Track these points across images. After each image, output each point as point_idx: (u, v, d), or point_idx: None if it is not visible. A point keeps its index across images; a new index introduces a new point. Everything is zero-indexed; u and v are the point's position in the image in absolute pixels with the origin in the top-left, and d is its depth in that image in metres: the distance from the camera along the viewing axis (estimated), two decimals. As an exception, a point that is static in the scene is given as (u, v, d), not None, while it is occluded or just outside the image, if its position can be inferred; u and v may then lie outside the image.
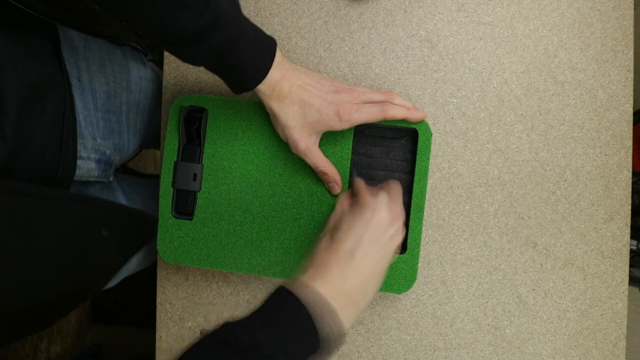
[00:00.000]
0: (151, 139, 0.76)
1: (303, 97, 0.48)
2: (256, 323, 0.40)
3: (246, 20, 0.46)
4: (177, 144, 0.57)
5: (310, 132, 0.50)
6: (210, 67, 0.47)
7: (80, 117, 0.57)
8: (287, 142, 0.51)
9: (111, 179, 0.66)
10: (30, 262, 0.40)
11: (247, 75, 0.46)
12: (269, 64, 0.46)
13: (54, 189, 0.49)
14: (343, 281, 0.44)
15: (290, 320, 0.40)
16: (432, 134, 0.55)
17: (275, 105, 0.49)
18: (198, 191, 0.56)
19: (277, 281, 0.62)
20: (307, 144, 0.50)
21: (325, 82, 0.50)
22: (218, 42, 0.43)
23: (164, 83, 0.63)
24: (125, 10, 0.41)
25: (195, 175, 0.56)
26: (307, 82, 0.49)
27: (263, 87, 0.48)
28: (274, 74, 0.47)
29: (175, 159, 0.57)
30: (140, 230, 0.59)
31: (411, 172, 0.55)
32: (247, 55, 0.45)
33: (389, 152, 0.56)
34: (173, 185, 0.56)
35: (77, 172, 0.56)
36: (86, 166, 0.58)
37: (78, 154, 0.55)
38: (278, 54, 0.47)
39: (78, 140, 0.55)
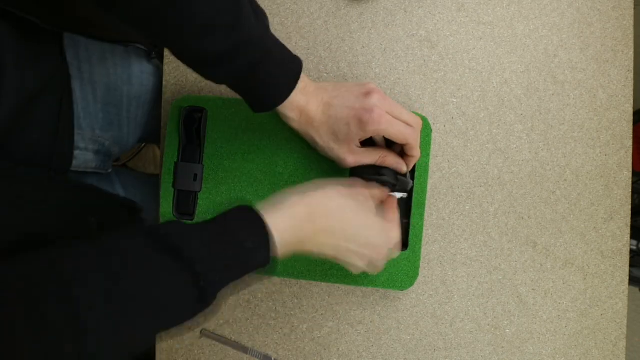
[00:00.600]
0: (152, 133, 0.76)
1: (330, 114, 0.47)
2: (203, 233, 0.38)
3: (273, 40, 0.45)
4: (178, 145, 0.57)
5: (349, 144, 0.48)
6: (232, 87, 0.46)
7: (79, 107, 0.57)
8: (336, 162, 0.50)
9: (110, 170, 0.66)
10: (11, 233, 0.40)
11: (269, 96, 0.45)
12: (292, 86, 0.45)
13: (51, 176, 0.49)
14: (307, 242, 0.42)
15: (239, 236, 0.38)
16: (432, 130, 0.55)
17: (309, 131, 0.48)
18: (199, 191, 0.57)
19: (275, 280, 0.62)
20: (354, 158, 0.49)
21: (354, 87, 0.48)
22: (242, 64, 0.43)
23: (164, 83, 0.63)
24: (150, 33, 0.41)
25: (195, 175, 0.56)
26: (332, 95, 0.47)
27: (292, 114, 0.47)
28: (300, 99, 0.46)
29: (175, 159, 0.57)
30: (130, 219, 0.59)
31: (412, 169, 0.55)
32: (270, 77, 0.44)
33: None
34: (174, 186, 0.56)
35: (75, 162, 0.56)
36: (84, 157, 0.59)
37: (75, 144, 0.56)
38: (303, 78, 0.46)
39: (76, 131, 0.56)
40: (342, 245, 0.44)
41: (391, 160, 0.50)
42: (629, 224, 0.61)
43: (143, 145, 1.35)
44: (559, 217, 0.61)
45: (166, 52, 0.63)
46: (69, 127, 0.53)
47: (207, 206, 0.56)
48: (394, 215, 0.50)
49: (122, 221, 0.58)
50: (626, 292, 0.61)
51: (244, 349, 0.61)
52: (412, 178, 0.55)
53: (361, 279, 0.56)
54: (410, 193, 0.55)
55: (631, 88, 0.61)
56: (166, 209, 0.57)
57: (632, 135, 0.61)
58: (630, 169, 0.61)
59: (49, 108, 0.49)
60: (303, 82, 0.46)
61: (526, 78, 0.61)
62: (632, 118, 0.61)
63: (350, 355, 0.61)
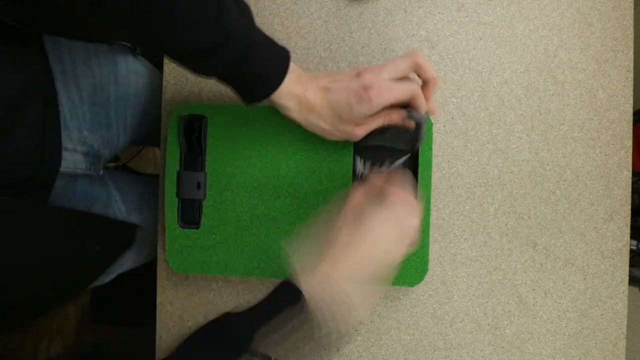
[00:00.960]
0: (148, 135, 0.76)
1: (329, 98, 0.47)
2: (255, 319, 0.41)
3: (259, 34, 0.45)
4: (179, 154, 0.57)
5: (354, 120, 0.48)
6: (223, 78, 0.46)
7: (65, 109, 0.57)
8: (345, 139, 0.51)
9: (101, 172, 0.66)
10: (17, 269, 0.42)
11: (261, 84, 0.45)
12: (283, 71, 0.45)
13: (50, 206, 0.50)
14: (360, 278, 0.44)
15: (289, 318, 0.40)
16: (432, 125, 0.55)
17: (311, 118, 0.48)
18: (203, 199, 0.56)
19: (276, 280, 0.62)
20: (362, 129, 0.49)
21: (345, 72, 0.48)
22: (228, 58, 0.43)
23: (163, 83, 0.63)
24: (134, 30, 0.41)
25: (199, 183, 0.56)
26: (328, 80, 0.48)
27: (291, 104, 0.47)
28: (296, 88, 0.46)
29: (177, 168, 0.57)
30: (127, 238, 0.60)
31: (415, 165, 0.55)
32: (259, 69, 0.44)
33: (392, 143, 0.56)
34: (177, 195, 0.56)
35: (63, 163, 0.56)
36: (72, 158, 0.59)
37: (63, 145, 0.56)
38: (293, 67, 0.46)
39: (63, 132, 0.56)
40: (374, 272, 0.45)
41: (397, 117, 0.50)
42: (629, 224, 0.61)
43: (142, 146, 1.35)
44: (559, 217, 0.61)
45: (166, 52, 0.63)
46: (56, 128, 0.53)
47: (212, 214, 0.56)
48: (392, 190, 0.48)
49: (120, 242, 0.60)
50: (626, 292, 0.61)
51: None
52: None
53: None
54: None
55: (631, 88, 0.61)
56: (171, 218, 0.56)
57: (632, 135, 0.61)
58: (630, 169, 0.61)
59: (34, 110, 0.50)
60: (295, 72, 0.46)
61: (526, 78, 0.61)
62: (632, 118, 0.61)
63: (350, 355, 0.61)
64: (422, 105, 0.49)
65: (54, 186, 0.54)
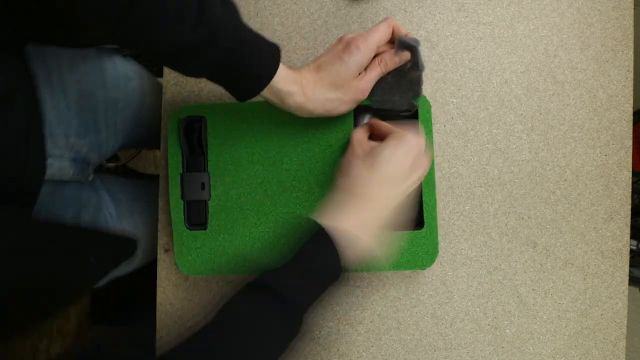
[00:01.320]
0: (143, 139, 0.75)
1: (323, 67, 0.49)
2: (287, 272, 0.44)
3: (246, 29, 0.45)
4: (181, 156, 0.56)
5: (352, 77, 0.50)
6: (213, 77, 0.46)
7: (51, 115, 0.57)
8: (356, 101, 0.52)
9: (90, 178, 0.66)
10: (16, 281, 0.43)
11: (252, 79, 0.45)
12: (274, 65, 0.45)
13: (45, 223, 0.50)
14: (371, 213, 0.47)
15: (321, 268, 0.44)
16: (431, 106, 0.55)
17: (316, 93, 0.49)
18: (208, 200, 0.56)
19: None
20: (364, 81, 0.50)
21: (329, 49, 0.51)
22: (216, 56, 0.43)
23: (163, 83, 0.63)
24: (118, 28, 0.41)
25: (203, 184, 0.56)
26: (315, 61, 0.50)
27: (294, 88, 0.47)
28: (293, 73, 0.47)
29: (180, 171, 0.56)
30: (125, 252, 0.61)
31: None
32: (251, 61, 0.44)
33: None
34: (182, 198, 0.56)
35: (49, 170, 0.55)
36: (59, 164, 0.58)
37: (48, 152, 0.55)
38: (282, 63, 0.47)
39: (48, 138, 0.55)
40: (384, 199, 0.48)
41: (388, 57, 0.51)
42: (629, 224, 0.61)
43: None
44: (559, 217, 0.61)
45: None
46: (39, 134, 0.53)
47: (218, 213, 0.56)
48: (399, 129, 0.51)
49: (117, 254, 0.61)
50: (626, 292, 0.61)
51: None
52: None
53: (383, 265, 0.56)
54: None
55: (631, 88, 0.61)
56: (177, 221, 0.56)
57: (632, 135, 0.61)
58: (630, 169, 0.61)
59: (16, 116, 0.49)
60: (286, 64, 0.47)
61: (526, 78, 0.61)
62: (632, 118, 0.61)
63: (350, 355, 0.61)
64: (405, 31, 0.50)
65: (41, 192, 0.53)
